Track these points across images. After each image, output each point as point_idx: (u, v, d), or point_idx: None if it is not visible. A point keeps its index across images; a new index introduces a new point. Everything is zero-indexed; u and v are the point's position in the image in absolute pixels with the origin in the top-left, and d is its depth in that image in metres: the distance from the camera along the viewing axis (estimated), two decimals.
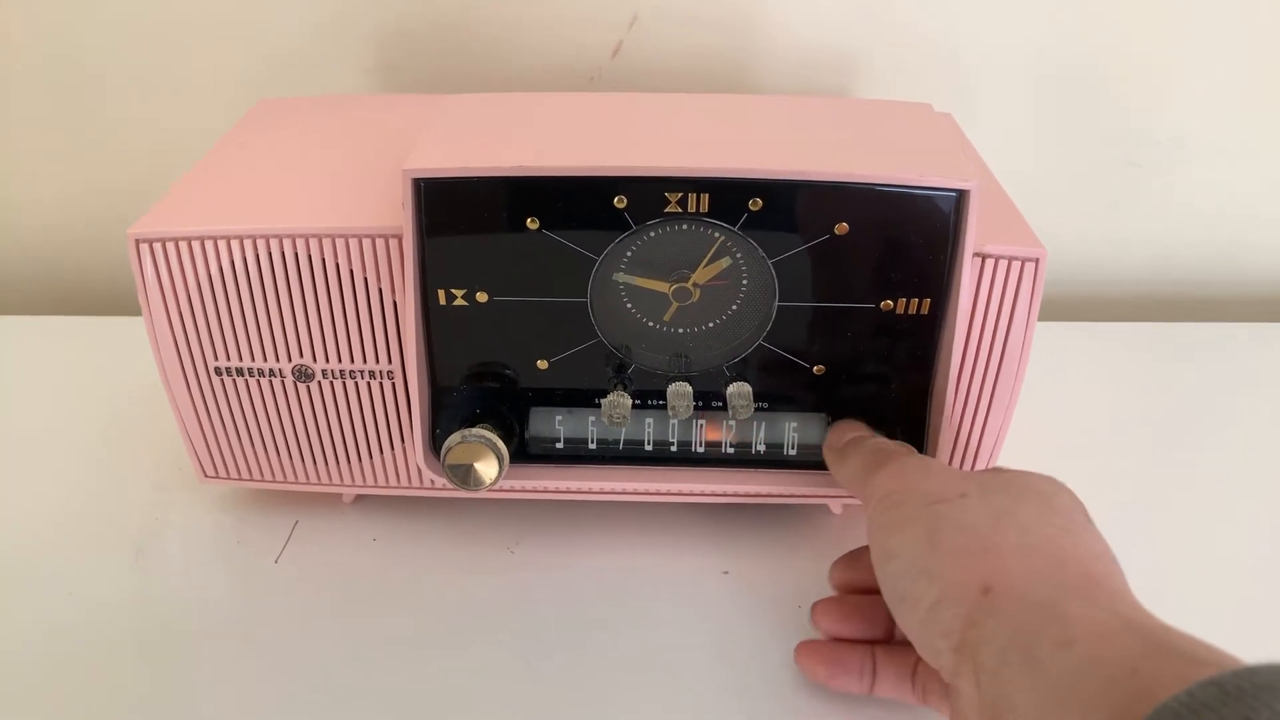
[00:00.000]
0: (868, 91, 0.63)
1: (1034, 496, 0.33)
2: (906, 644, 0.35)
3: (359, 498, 0.49)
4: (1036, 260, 0.40)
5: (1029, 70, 0.62)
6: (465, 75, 0.62)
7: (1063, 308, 0.70)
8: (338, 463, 0.45)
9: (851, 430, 0.41)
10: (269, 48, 0.62)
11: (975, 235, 0.38)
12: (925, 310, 0.40)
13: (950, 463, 0.44)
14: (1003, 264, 0.40)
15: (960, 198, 0.37)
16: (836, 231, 0.38)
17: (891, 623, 0.37)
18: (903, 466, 0.36)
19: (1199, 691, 0.21)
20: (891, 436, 0.42)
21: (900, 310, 0.40)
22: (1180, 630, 0.25)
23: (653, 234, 0.39)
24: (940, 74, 0.63)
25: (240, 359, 0.42)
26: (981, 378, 0.42)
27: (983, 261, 0.40)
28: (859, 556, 0.40)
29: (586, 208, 0.38)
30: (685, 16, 0.60)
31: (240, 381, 0.43)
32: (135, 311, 0.42)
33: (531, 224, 0.38)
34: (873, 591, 0.37)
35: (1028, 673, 0.26)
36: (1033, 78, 0.63)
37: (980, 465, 0.44)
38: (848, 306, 0.40)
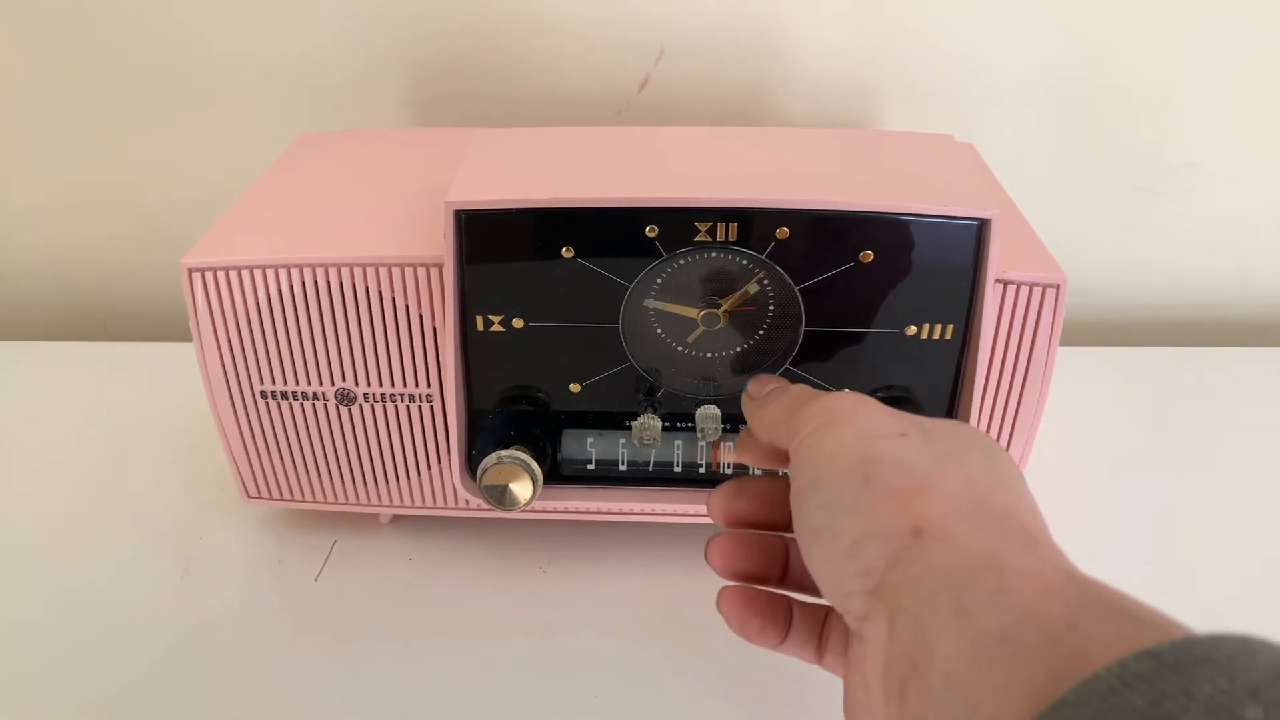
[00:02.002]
0: (887, 119, 0.65)
1: (977, 447, 0.30)
2: (818, 600, 0.34)
3: (396, 518, 0.50)
4: (1058, 286, 0.41)
5: (1044, 97, 0.64)
6: (496, 109, 0.64)
7: (1078, 332, 0.71)
8: (376, 483, 0.46)
9: (773, 381, 0.37)
10: (307, 85, 0.64)
11: (997, 262, 0.39)
12: (949, 336, 0.41)
13: None
14: (1024, 290, 0.41)
15: (982, 226, 0.39)
16: (861, 259, 0.39)
17: (787, 561, 0.35)
18: (837, 399, 0.32)
19: (1134, 663, 0.19)
20: None
21: (924, 336, 0.41)
22: (1124, 591, 0.23)
23: (682, 261, 0.40)
24: (957, 101, 0.64)
25: (285, 383, 0.44)
26: (1004, 402, 0.43)
27: (1004, 288, 0.41)
28: (744, 485, 0.36)
29: (619, 237, 0.39)
30: (710, 50, 0.62)
31: (285, 405, 0.44)
32: (179, 337, 0.43)
33: (566, 253, 0.40)
34: (760, 526, 0.35)
35: (956, 620, 0.24)
36: (1048, 104, 0.64)
37: None
38: (873, 332, 0.41)
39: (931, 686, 0.24)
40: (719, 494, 0.36)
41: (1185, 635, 0.20)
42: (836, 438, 0.30)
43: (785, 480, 0.35)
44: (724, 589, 0.35)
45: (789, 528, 0.34)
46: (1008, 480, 0.29)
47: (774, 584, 0.35)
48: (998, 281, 0.40)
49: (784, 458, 0.33)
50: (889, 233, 0.38)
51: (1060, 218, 0.66)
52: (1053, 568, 0.24)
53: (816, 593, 0.33)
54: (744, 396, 0.37)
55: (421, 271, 0.41)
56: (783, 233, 0.39)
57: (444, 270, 0.40)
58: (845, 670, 0.29)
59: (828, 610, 0.34)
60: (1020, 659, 0.22)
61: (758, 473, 0.42)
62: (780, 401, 0.34)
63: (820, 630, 0.34)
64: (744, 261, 0.40)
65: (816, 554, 0.29)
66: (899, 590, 0.26)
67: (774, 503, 0.35)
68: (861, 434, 0.30)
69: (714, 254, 0.40)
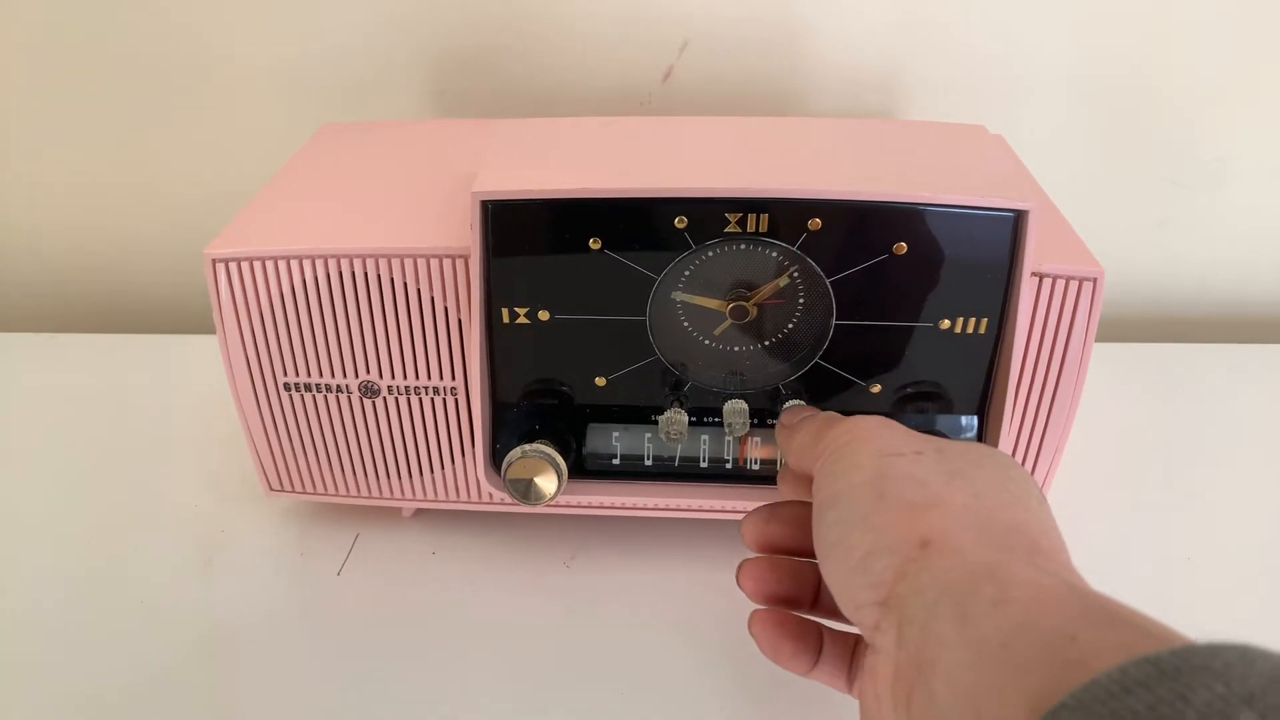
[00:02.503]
0: (914, 112, 0.64)
1: (991, 465, 0.31)
2: (847, 630, 0.34)
3: (419, 511, 0.50)
4: (1095, 279, 0.40)
5: (1074, 88, 0.63)
6: (520, 101, 0.64)
7: (1108, 328, 0.70)
8: (400, 477, 0.46)
9: (805, 411, 0.39)
10: (332, 76, 0.63)
11: (1034, 254, 0.38)
12: (983, 330, 0.40)
13: None
14: (1060, 283, 0.40)
15: (1019, 218, 0.38)
16: (895, 251, 0.38)
17: (819, 588, 0.36)
18: (856, 422, 0.33)
19: (1134, 669, 0.19)
20: None
21: (958, 330, 0.40)
22: (1126, 603, 0.24)
23: (711, 253, 0.39)
24: (985, 93, 0.63)
25: (309, 375, 0.43)
26: (1039, 397, 0.42)
27: (1040, 281, 0.40)
28: (774, 510, 0.37)
29: (648, 228, 0.39)
30: (734, 41, 0.62)
31: (308, 397, 0.44)
32: (203, 330, 0.43)
33: (594, 244, 0.39)
34: (792, 552, 0.36)
35: (957, 628, 0.24)
36: (1078, 96, 0.63)
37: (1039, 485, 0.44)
38: (905, 326, 0.40)
39: (935, 693, 0.24)
40: (751, 520, 0.37)
41: (1185, 644, 0.20)
42: (854, 456, 0.31)
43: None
44: (755, 612, 0.36)
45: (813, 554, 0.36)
46: (1022, 498, 0.30)
47: (805, 609, 0.36)
48: (1034, 274, 0.39)
49: (808, 482, 0.34)
50: (924, 224, 0.38)
51: (1090, 212, 0.65)
52: (1055, 579, 0.25)
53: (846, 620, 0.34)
54: (778, 427, 0.39)
55: (447, 263, 0.41)
56: (815, 224, 0.38)
57: (470, 261, 0.40)
58: (860, 683, 0.29)
59: (857, 639, 0.34)
60: (1021, 666, 0.22)
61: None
62: (808, 427, 0.35)
63: (850, 658, 0.35)
64: (774, 254, 0.39)
65: (831, 567, 0.30)
66: (906, 601, 0.27)
67: (806, 528, 0.35)
68: (878, 452, 0.31)
69: (744, 246, 0.39)
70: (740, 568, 0.36)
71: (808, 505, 0.35)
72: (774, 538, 0.36)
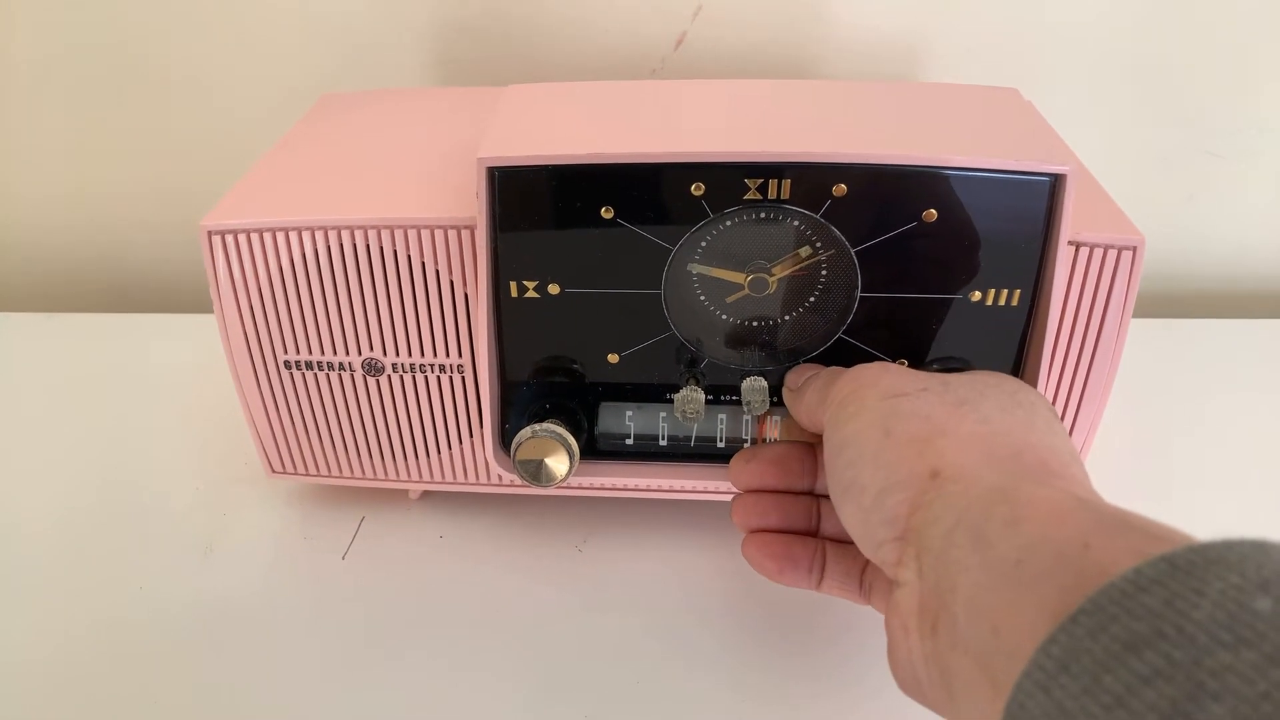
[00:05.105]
0: (936, 78, 0.62)
1: (997, 391, 0.31)
2: (853, 545, 0.34)
3: (425, 494, 0.49)
4: (1134, 248, 0.38)
5: (1101, 54, 0.60)
6: (525, 68, 0.62)
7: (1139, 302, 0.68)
8: (405, 458, 0.44)
9: (810, 370, 0.39)
10: (332, 43, 0.62)
11: (1071, 222, 0.36)
12: (1015, 302, 0.38)
13: None
14: (1098, 252, 0.38)
15: (1056, 182, 0.36)
16: (924, 219, 0.36)
17: (819, 522, 0.37)
18: (860, 371, 0.34)
19: (1148, 568, 0.19)
20: None
21: (989, 302, 0.38)
22: (1137, 512, 0.24)
23: (730, 222, 0.38)
24: (1010, 59, 0.61)
25: (310, 352, 0.42)
26: (1073, 372, 0.40)
27: (1076, 250, 0.38)
28: (756, 451, 0.39)
29: (663, 196, 0.37)
30: (750, 6, 0.59)
31: (310, 375, 0.42)
32: (198, 308, 0.42)
33: (606, 213, 0.37)
34: (778, 491, 0.37)
35: (974, 552, 0.25)
36: (1105, 62, 0.60)
37: None
38: (934, 298, 0.38)
39: (956, 616, 0.25)
40: (734, 464, 0.39)
41: (1199, 541, 0.20)
42: (860, 401, 0.32)
43: (800, 445, 0.38)
44: (749, 534, 0.37)
45: (809, 490, 0.38)
46: (1031, 420, 0.30)
47: (831, 541, 0.37)
48: (1070, 243, 0.37)
49: (818, 434, 0.35)
50: (955, 189, 0.36)
51: (1118, 183, 0.63)
52: (1066, 495, 0.25)
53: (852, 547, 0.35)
54: (784, 389, 0.39)
55: (452, 234, 0.39)
56: (840, 190, 0.36)
57: (476, 232, 0.38)
58: (886, 617, 0.29)
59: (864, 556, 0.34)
60: (1037, 579, 0.22)
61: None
62: (814, 384, 0.36)
63: (860, 574, 0.36)
64: (796, 222, 0.37)
65: (848, 511, 0.31)
66: (922, 532, 0.27)
67: (789, 467, 0.38)
68: (883, 394, 0.32)
69: (764, 214, 0.37)
70: (732, 504, 0.38)
71: (789, 444, 0.38)
72: (757, 476, 0.38)
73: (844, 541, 0.36)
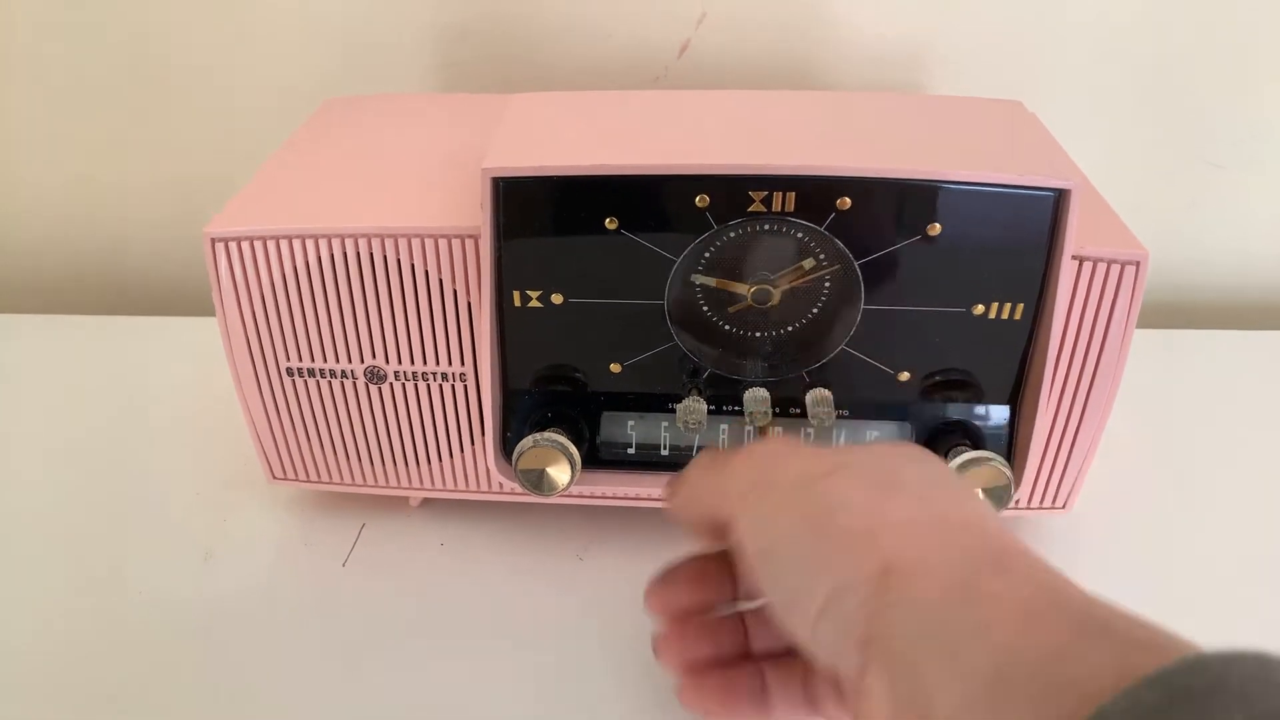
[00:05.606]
0: (939, 87, 0.62)
1: (911, 464, 0.29)
2: (790, 655, 0.32)
3: (426, 501, 0.49)
4: (1138, 263, 0.38)
5: (1104, 60, 0.60)
6: (528, 73, 0.62)
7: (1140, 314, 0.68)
8: (406, 465, 0.44)
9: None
10: (332, 48, 0.61)
11: (1075, 236, 0.36)
12: (1018, 315, 0.38)
13: (1038, 477, 0.42)
14: (1101, 267, 0.38)
15: (1060, 197, 0.36)
16: (928, 232, 0.36)
17: (747, 635, 0.34)
18: (754, 452, 0.31)
19: (1142, 693, 0.18)
20: (977, 448, 0.40)
21: (992, 315, 0.38)
22: (1108, 602, 0.22)
23: (733, 234, 0.38)
24: (1012, 68, 0.61)
25: (313, 360, 0.42)
26: (1075, 387, 0.40)
27: (1079, 264, 0.38)
28: (673, 573, 0.34)
29: (667, 207, 0.37)
30: (754, 13, 0.59)
31: (312, 382, 0.42)
32: (199, 312, 0.42)
33: (610, 224, 0.37)
34: (704, 609, 0.34)
35: (948, 664, 0.23)
36: (1108, 68, 0.60)
37: (1072, 479, 0.43)
38: (937, 311, 0.38)
39: None
40: (651, 591, 0.34)
41: (1194, 655, 0.19)
42: (773, 497, 0.29)
43: (715, 555, 0.34)
44: (681, 686, 0.33)
45: (732, 599, 0.34)
46: (954, 493, 0.28)
47: (768, 659, 0.33)
48: (1074, 257, 0.37)
49: (720, 531, 0.31)
50: (960, 204, 0.36)
51: (1121, 192, 0.63)
52: (1031, 585, 0.24)
53: (787, 654, 0.32)
54: (664, 495, 0.35)
55: (456, 243, 0.39)
56: (844, 203, 0.36)
57: (480, 242, 0.38)
58: None
59: (803, 665, 0.32)
60: (1013, 699, 0.21)
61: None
62: (691, 471, 0.33)
63: (800, 686, 0.33)
64: (800, 235, 0.37)
65: (795, 623, 0.27)
66: (888, 639, 0.25)
67: (708, 583, 0.34)
68: (795, 482, 0.28)
69: (768, 226, 0.37)
70: (655, 644, 0.34)
71: (703, 557, 0.34)
72: (682, 601, 0.34)
73: (776, 655, 0.33)
